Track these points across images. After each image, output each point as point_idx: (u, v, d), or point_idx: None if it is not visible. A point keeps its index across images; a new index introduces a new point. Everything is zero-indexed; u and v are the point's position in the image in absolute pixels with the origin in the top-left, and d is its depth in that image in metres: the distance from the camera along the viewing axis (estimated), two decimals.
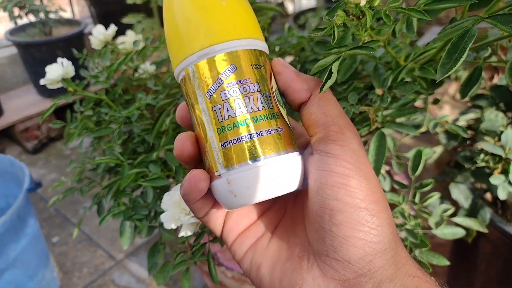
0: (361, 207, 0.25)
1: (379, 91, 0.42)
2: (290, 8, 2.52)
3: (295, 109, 0.30)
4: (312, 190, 0.27)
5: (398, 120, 0.51)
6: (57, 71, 0.56)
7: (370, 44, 0.29)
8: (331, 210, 0.25)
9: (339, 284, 0.25)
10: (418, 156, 0.51)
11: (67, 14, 2.01)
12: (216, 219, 0.32)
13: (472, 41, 0.30)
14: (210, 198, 0.31)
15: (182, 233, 0.42)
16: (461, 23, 0.33)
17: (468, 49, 0.30)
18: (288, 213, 0.33)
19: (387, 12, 0.30)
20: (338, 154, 0.26)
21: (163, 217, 0.42)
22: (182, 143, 0.29)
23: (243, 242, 0.32)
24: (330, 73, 0.27)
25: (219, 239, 0.43)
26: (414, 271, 0.26)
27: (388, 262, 0.25)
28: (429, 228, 0.53)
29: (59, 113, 1.74)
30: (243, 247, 0.32)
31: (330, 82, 0.27)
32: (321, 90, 0.28)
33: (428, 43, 0.37)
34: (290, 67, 0.30)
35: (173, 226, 0.42)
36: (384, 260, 0.25)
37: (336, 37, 0.29)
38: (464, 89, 0.42)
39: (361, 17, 0.31)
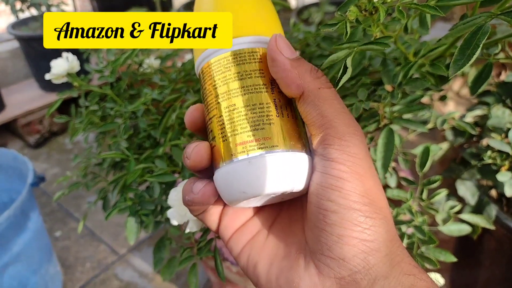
0: (354, 209, 0.25)
1: (388, 87, 0.41)
2: (293, 2, 2.51)
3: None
4: (310, 190, 0.27)
5: (405, 116, 0.51)
6: (63, 65, 0.56)
7: (383, 40, 0.29)
8: (325, 210, 0.26)
9: (335, 282, 0.25)
10: (426, 152, 0.51)
11: (69, 8, 2.00)
12: (211, 215, 0.32)
13: (486, 38, 0.30)
14: None
15: (188, 229, 0.42)
16: (473, 19, 0.32)
17: (481, 45, 0.30)
18: (284, 211, 0.33)
19: (400, 8, 0.29)
20: (334, 158, 0.26)
21: (169, 214, 0.42)
22: (201, 156, 0.29)
23: (239, 239, 0.32)
24: (345, 67, 0.27)
25: None
26: (410, 269, 0.26)
27: (382, 260, 0.25)
28: (433, 224, 0.53)
29: (62, 107, 1.74)
30: (239, 243, 0.32)
31: (345, 77, 0.27)
32: (336, 86, 0.27)
33: (440, 39, 0.37)
34: (285, 53, 0.28)
35: (180, 222, 0.42)
36: (378, 258, 0.25)
37: (348, 32, 0.29)
38: (474, 86, 0.41)
39: (373, 12, 0.30)
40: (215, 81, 0.29)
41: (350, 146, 0.26)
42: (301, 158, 0.28)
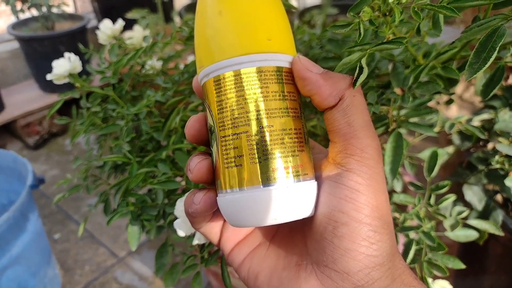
0: (365, 223, 0.25)
1: (398, 90, 0.41)
2: (294, 4, 2.51)
3: (320, 110, 0.29)
4: (321, 200, 0.27)
5: (412, 120, 0.50)
6: (64, 66, 0.55)
7: (397, 40, 0.28)
8: (335, 222, 0.26)
9: None
10: (434, 157, 0.50)
11: (69, 9, 1.99)
12: (212, 228, 0.33)
13: (502, 40, 0.29)
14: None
15: (196, 241, 0.41)
16: (488, 21, 0.32)
17: (497, 48, 0.29)
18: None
19: (416, 9, 0.28)
20: (352, 169, 0.26)
21: (176, 224, 0.41)
22: (202, 173, 0.29)
23: (240, 251, 0.32)
24: (361, 68, 0.26)
25: None
26: (410, 280, 0.27)
27: (385, 274, 0.26)
28: (437, 229, 0.52)
29: (62, 108, 1.73)
30: (240, 255, 0.32)
31: (362, 78, 0.26)
32: (354, 86, 0.27)
33: (453, 42, 0.36)
34: (313, 69, 0.27)
35: (187, 233, 0.41)
36: (381, 272, 0.25)
37: (362, 34, 0.28)
38: (486, 89, 0.40)
39: (387, 13, 0.30)
40: (251, 94, 0.26)
41: (370, 159, 0.26)
42: (316, 185, 0.28)
